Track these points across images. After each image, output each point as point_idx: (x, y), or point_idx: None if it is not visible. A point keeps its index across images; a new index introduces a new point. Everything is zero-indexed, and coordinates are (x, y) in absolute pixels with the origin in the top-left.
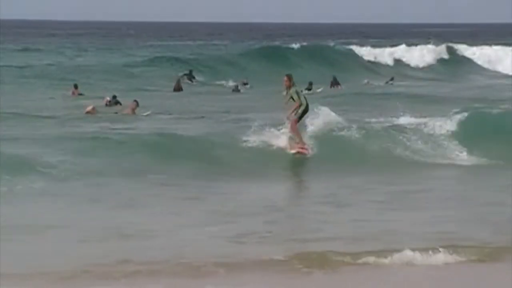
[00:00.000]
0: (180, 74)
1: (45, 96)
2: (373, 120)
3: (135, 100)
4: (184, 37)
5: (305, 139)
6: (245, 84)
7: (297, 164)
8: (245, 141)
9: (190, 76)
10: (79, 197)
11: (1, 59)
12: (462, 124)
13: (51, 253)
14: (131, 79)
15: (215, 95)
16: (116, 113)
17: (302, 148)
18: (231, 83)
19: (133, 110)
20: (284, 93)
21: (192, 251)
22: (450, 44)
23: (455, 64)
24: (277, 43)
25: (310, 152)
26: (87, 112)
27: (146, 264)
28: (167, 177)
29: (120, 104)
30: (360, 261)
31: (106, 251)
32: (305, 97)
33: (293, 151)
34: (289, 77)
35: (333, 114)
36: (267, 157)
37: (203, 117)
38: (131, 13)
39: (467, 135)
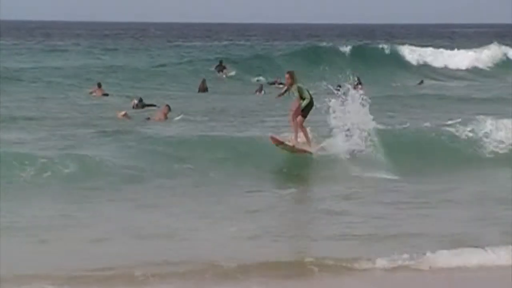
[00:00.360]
0: (213, 67)
1: (75, 96)
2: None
3: (167, 105)
4: (211, 37)
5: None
6: (279, 83)
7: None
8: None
9: (221, 67)
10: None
11: (29, 60)
12: None
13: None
14: (158, 79)
15: (241, 95)
16: (148, 118)
17: (296, 146)
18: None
19: (165, 115)
20: (282, 90)
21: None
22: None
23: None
24: (324, 43)
25: (313, 151)
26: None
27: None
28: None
29: (147, 106)
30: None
31: (129, 251)
32: (309, 92)
33: (293, 146)
34: (291, 74)
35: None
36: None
37: (232, 119)
38: (150, 14)
39: None
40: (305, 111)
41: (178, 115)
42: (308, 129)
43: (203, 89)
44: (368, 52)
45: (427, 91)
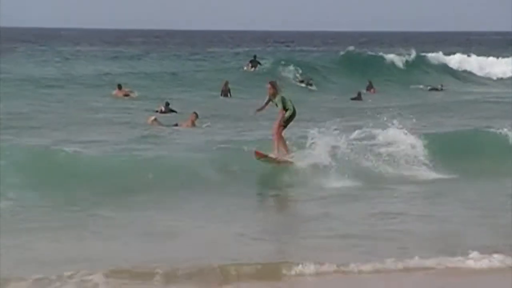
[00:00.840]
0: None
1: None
2: None
3: (195, 112)
4: (240, 45)
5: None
6: (308, 84)
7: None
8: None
9: (255, 63)
10: None
11: (58, 66)
12: None
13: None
14: (186, 83)
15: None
16: (176, 125)
17: (278, 158)
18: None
19: (193, 122)
20: (264, 102)
21: None
22: None
23: None
24: (366, 50)
25: (290, 162)
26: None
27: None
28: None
29: (174, 111)
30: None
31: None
32: (291, 103)
33: (272, 156)
34: (273, 85)
35: None
36: None
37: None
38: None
39: None
40: (286, 122)
41: (205, 123)
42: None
43: (226, 91)
44: (417, 61)
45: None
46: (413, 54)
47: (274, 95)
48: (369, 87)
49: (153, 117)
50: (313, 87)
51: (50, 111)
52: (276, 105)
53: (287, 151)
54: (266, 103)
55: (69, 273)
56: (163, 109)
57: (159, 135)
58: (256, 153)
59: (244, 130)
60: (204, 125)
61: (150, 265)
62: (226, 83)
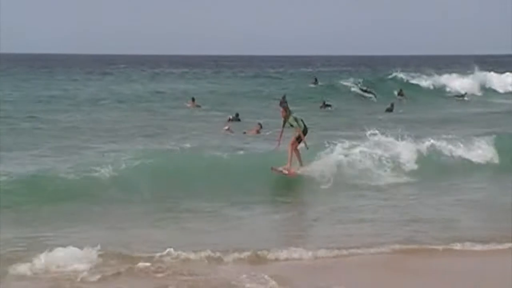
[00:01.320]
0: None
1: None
2: None
3: (259, 123)
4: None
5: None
6: (371, 92)
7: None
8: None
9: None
10: None
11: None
12: None
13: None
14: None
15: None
16: (245, 132)
17: (288, 170)
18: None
19: (258, 131)
20: (282, 124)
21: None
22: None
23: None
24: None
25: (295, 175)
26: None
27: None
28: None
29: (238, 120)
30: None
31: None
32: (302, 121)
33: (282, 170)
34: (285, 108)
35: None
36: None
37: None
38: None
39: None
40: (299, 138)
41: (267, 132)
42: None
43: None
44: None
45: None
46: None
47: (287, 117)
48: (399, 93)
49: (226, 127)
50: (373, 97)
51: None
52: (291, 125)
53: (301, 163)
54: (283, 126)
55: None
56: (230, 118)
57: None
58: (273, 169)
59: None
60: (266, 133)
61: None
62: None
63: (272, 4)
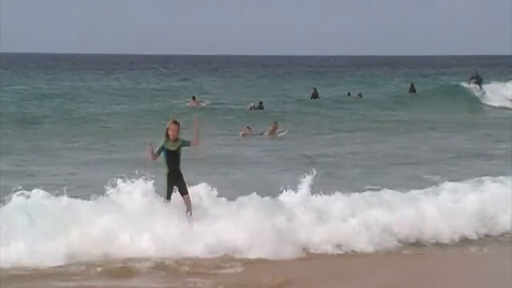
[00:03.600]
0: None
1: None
2: None
3: (275, 121)
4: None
5: None
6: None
7: None
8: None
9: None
10: None
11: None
12: None
13: None
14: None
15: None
16: (262, 134)
17: None
18: None
19: (275, 129)
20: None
21: None
22: None
23: None
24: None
25: None
26: (243, 134)
27: None
28: None
29: (261, 108)
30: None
31: None
32: None
33: None
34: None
35: None
36: None
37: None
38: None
39: None
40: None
41: (283, 131)
42: None
43: (315, 95)
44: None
45: None
46: None
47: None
48: (473, 77)
49: (241, 132)
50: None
51: None
52: None
53: None
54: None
55: None
56: (252, 106)
57: None
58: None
59: None
60: (282, 133)
61: None
62: (315, 89)
63: None
